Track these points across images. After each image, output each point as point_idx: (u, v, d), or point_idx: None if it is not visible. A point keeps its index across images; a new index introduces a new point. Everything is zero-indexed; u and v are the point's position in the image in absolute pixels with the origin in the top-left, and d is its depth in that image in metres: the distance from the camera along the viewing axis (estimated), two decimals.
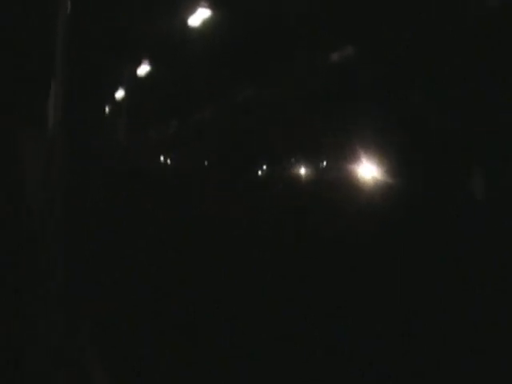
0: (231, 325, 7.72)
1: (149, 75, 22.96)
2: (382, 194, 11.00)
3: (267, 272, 9.84)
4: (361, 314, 7.83)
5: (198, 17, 16.31)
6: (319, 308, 8.20)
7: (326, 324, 7.66)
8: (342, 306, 8.13)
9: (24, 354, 4.78)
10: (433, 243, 9.06)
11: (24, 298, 4.97)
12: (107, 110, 27.43)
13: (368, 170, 11.97)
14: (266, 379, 6.42)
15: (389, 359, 6.59)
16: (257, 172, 17.32)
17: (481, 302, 7.28)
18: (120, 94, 25.96)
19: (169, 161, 24.12)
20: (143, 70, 22.80)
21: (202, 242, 12.07)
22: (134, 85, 24.18)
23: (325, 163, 14.18)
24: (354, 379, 6.42)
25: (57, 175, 5.74)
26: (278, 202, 13.68)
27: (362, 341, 7.11)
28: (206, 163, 21.37)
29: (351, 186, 12.21)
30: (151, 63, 22.25)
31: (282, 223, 12.39)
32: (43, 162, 5.94)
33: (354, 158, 12.40)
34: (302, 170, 15.18)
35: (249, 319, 7.88)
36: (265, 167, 17.12)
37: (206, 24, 16.41)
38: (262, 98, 16.62)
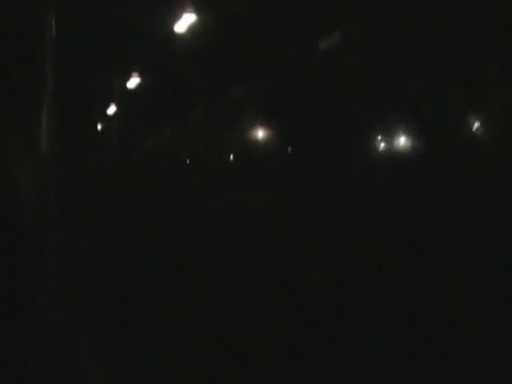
0: (228, 323, 7.77)
1: (138, 84, 22.99)
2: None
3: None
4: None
5: (184, 22, 16.33)
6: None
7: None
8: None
9: (18, 353, 4.82)
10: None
11: (19, 298, 5.01)
12: (100, 121, 27.49)
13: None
14: (266, 379, 6.45)
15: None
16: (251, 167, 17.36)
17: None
18: (111, 105, 26.00)
19: (165, 165, 24.15)
20: (133, 79, 22.82)
21: (198, 241, 12.15)
22: (125, 94, 24.22)
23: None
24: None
25: (51, 191, 5.78)
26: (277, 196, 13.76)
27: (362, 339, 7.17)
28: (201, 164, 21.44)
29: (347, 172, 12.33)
30: (140, 72, 22.27)
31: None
32: (37, 176, 5.99)
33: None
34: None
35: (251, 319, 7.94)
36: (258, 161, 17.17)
37: (193, 28, 16.44)
38: (251, 96, 16.70)
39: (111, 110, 26.43)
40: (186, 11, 16.12)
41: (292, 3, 12.98)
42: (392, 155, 13.18)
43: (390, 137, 12.69)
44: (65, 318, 5.83)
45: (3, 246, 5.19)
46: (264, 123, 15.78)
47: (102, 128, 28.40)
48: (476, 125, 10.05)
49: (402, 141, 12.90)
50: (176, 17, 16.32)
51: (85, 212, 11.96)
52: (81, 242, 10.33)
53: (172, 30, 16.86)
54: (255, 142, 16.71)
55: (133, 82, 23.01)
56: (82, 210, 11.86)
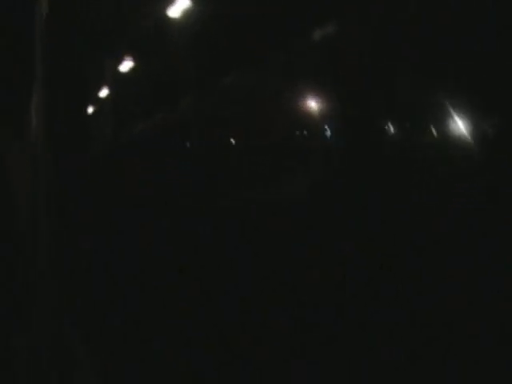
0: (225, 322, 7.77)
1: (131, 69, 22.92)
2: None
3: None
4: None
5: (178, 7, 16.32)
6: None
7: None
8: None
9: (17, 353, 4.82)
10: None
11: (19, 298, 5.00)
12: (92, 108, 27.33)
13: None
14: (266, 379, 6.45)
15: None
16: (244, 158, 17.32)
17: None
18: (103, 90, 25.87)
19: (157, 153, 24.07)
20: (125, 64, 22.74)
21: (198, 241, 12.14)
22: (117, 80, 24.12)
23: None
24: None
25: (43, 181, 5.74)
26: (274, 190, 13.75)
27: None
28: (194, 153, 21.39)
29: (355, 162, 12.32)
30: (132, 57, 22.20)
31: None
32: (29, 168, 5.95)
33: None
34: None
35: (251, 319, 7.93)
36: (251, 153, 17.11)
37: (187, 14, 16.42)
38: (245, 84, 16.66)
39: (102, 92, 26.32)
40: None
41: (292, 2, 12.98)
42: (392, 155, 13.19)
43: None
44: (65, 318, 5.83)
45: (3, 246, 5.19)
46: (262, 114, 15.72)
47: (99, 126, 28.27)
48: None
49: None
50: (170, 2, 16.32)
51: (85, 212, 11.96)
52: (81, 242, 10.34)
53: (165, 14, 16.84)
54: (253, 137, 16.65)
55: (124, 65, 22.92)
56: (82, 210, 11.86)
